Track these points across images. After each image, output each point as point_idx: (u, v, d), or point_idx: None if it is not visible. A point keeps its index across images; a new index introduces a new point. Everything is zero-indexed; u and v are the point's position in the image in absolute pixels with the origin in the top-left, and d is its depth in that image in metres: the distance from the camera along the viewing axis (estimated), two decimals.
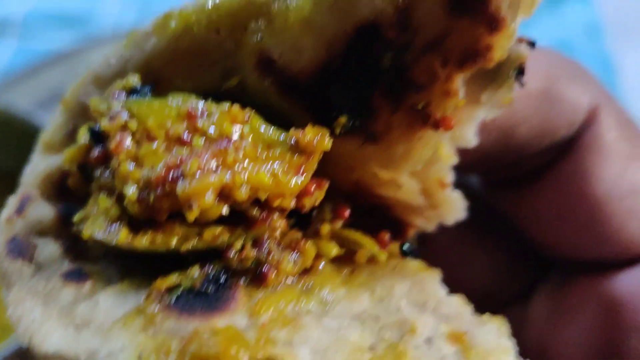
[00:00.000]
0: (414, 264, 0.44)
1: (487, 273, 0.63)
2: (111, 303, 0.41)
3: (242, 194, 0.39)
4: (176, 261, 0.42)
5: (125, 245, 0.40)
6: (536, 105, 0.52)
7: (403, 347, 0.38)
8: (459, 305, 0.41)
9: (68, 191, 0.48)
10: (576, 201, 0.54)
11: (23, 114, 1.10)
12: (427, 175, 0.49)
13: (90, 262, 0.46)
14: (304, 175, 0.41)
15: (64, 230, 0.47)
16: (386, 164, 0.46)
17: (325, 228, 0.46)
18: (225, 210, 0.39)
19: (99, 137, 0.41)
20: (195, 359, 0.35)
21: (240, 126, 0.40)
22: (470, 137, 0.47)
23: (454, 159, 0.48)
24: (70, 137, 0.47)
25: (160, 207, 0.38)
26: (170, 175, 0.38)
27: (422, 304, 0.41)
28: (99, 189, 0.42)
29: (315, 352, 0.37)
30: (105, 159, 0.41)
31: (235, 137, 0.39)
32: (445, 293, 0.42)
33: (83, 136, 0.43)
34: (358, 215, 0.50)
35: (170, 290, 0.40)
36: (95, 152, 0.41)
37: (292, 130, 0.41)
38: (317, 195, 0.44)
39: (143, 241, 0.40)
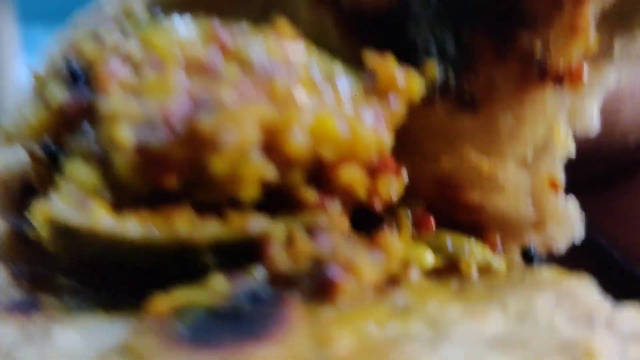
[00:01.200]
0: (548, 272, 0.29)
1: None
2: (76, 339, 0.25)
3: (298, 143, 0.25)
4: (183, 273, 0.27)
5: (107, 232, 0.25)
6: None
7: None
8: (638, 318, 0.26)
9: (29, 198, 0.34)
10: None
11: None
12: (538, 169, 0.35)
13: (52, 292, 0.30)
14: (386, 127, 0.27)
15: (19, 250, 0.32)
16: (488, 144, 0.33)
17: (406, 234, 0.31)
18: (271, 171, 0.25)
19: (78, 76, 0.27)
20: None
21: (291, 46, 0.27)
22: (592, 112, 0.34)
23: (571, 146, 0.35)
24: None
25: (171, 160, 0.24)
26: (188, 107, 0.24)
27: (586, 319, 0.26)
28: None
29: None
30: (89, 112, 0.27)
31: (283, 59, 0.26)
32: (611, 304, 0.27)
33: (55, 89, 0.29)
34: None
35: (177, 313, 0.25)
36: (75, 100, 0.27)
37: (368, 56, 0.28)
38: (396, 185, 0.30)
39: (133, 225, 0.25)
